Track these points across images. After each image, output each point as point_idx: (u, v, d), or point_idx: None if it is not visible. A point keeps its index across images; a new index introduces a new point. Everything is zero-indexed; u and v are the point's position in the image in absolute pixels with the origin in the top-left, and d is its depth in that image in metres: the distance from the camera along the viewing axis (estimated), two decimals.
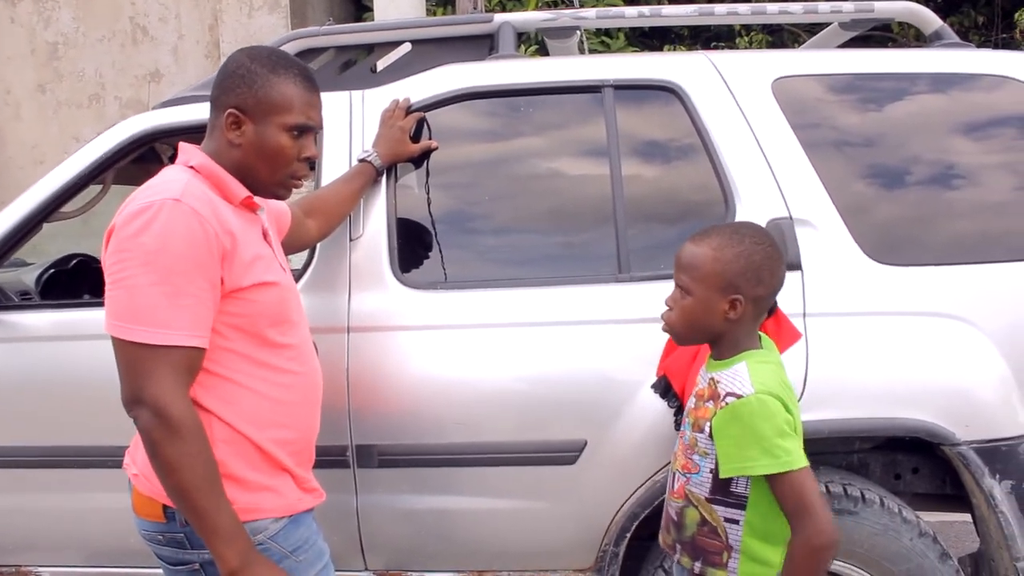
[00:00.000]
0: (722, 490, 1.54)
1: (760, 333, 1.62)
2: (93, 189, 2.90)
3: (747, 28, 6.74)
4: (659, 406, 2.03)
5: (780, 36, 7.02)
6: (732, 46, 6.74)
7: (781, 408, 1.47)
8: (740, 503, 1.53)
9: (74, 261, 3.12)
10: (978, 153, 2.17)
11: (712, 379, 1.57)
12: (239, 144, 1.52)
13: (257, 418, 1.48)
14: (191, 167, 1.51)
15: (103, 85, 6.93)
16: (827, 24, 2.72)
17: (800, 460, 1.45)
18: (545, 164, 2.30)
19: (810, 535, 1.44)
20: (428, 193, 2.26)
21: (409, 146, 2.19)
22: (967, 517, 2.38)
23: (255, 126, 1.52)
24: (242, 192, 1.53)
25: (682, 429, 1.67)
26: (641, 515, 2.08)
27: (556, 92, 2.29)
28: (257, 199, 1.57)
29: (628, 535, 2.10)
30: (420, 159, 2.24)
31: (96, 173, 2.30)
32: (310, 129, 1.56)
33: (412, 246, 2.22)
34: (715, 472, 1.53)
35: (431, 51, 2.55)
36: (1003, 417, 2.03)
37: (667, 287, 2.10)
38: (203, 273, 1.37)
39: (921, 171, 2.16)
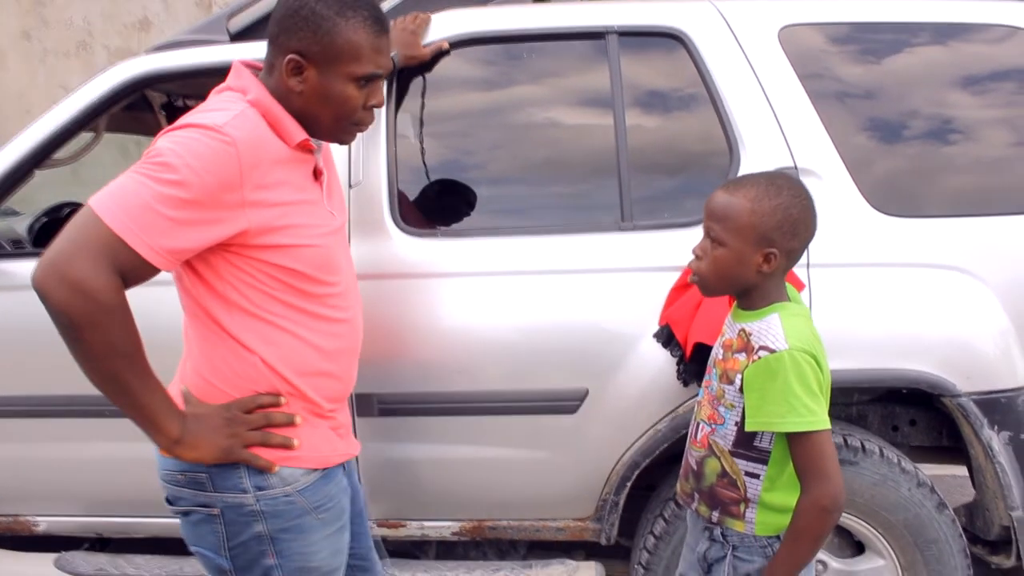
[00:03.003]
0: (745, 443, 1.53)
1: (786, 283, 1.59)
2: (86, 138, 2.85)
3: None
4: (662, 355, 2.03)
5: None
6: None
7: (814, 366, 1.46)
8: (763, 458, 1.52)
9: (67, 210, 3.08)
10: (984, 106, 2.15)
11: (743, 330, 1.54)
12: (300, 91, 1.43)
13: (299, 363, 1.44)
14: (248, 101, 1.41)
15: (91, 33, 6.77)
16: None
17: (823, 422, 1.44)
18: (547, 112, 2.26)
19: (819, 496, 1.44)
20: (429, 140, 2.23)
21: (421, 49, 2.15)
22: (960, 470, 2.40)
23: (318, 74, 1.41)
24: (299, 134, 1.43)
25: (707, 379, 1.65)
26: (642, 464, 2.09)
27: (559, 38, 2.24)
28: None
29: (629, 484, 2.11)
30: (432, 63, 2.19)
31: (89, 119, 2.25)
32: (378, 77, 1.47)
33: (412, 193, 2.19)
34: (740, 425, 1.53)
35: None
36: (1003, 369, 2.03)
37: (670, 236, 2.11)
38: (211, 204, 1.30)
39: (927, 123, 2.14)
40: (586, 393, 2.08)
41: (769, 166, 2.08)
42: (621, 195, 2.13)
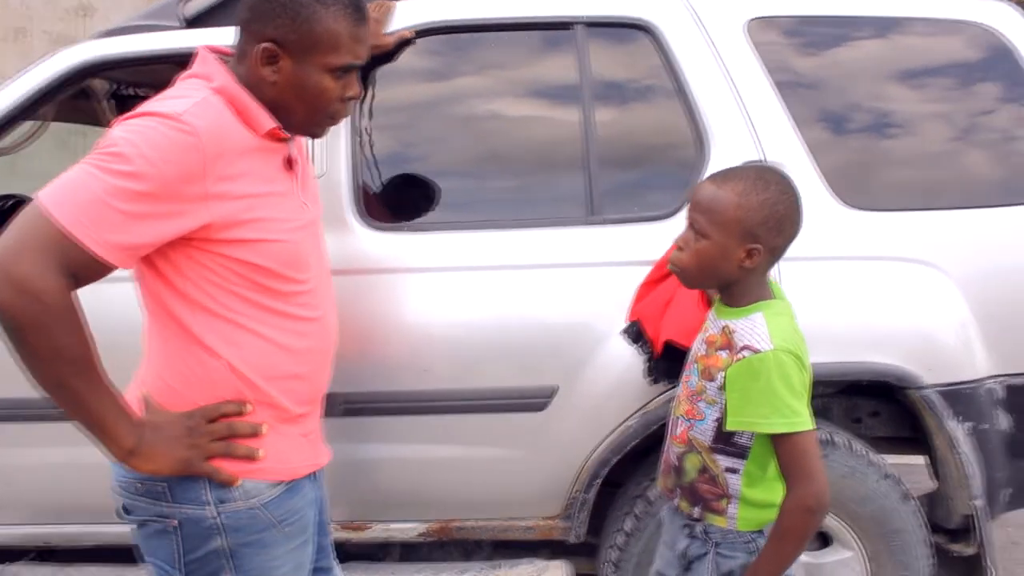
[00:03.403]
0: (725, 439, 1.52)
1: (771, 280, 1.58)
2: (29, 127, 2.72)
3: None
4: (632, 351, 2.00)
5: None
6: None
7: (798, 366, 1.45)
8: (742, 453, 1.51)
9: (10, 202, 2.94)
10: (948, 100, 2.17)
11: (726, 327, 1.52)
12: (273, 81, 1.36)
13: (266, 366, 1.37)
14: (212, 88, 1.33)
15: (30, 18, 6.51)
16: None
17: (807, 423, 1.44)
18: (513, 103, 2.22)
19: (804, 496, 1.43)
20: (392, 132, 2.17)
21: (384, 37, 2.08)
22: (915, 460, 2.43)
23: (294, 64, 1.34)
24: (268, 122, 1.36)
25: (686, 374, 1.63)
26: (612, 461, 2.07)
27: (526, 28, 2.20)
28: None
29: (599, 481, 2.09)
30: (395, 52, 2.13)
31: (32, 107, 2.13)
32: (356, 68, 1.40)
33: (376, 186, 2.13)
34: (720, 421, 1.51)
35: None
36: (965, 361, 2.06)
37: (638, 230, 2.09)
38: (169, 196, 1.22)
39: (891, 117, 2.16)
40: (555, 390, 2.05)
41: (737, 159, 2.07)
42: (589, 188, 2.10)
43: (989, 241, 2.09)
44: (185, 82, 1.38)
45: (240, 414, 1.35)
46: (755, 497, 1.53)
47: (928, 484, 2.26)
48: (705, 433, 1.55)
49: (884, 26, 2.16)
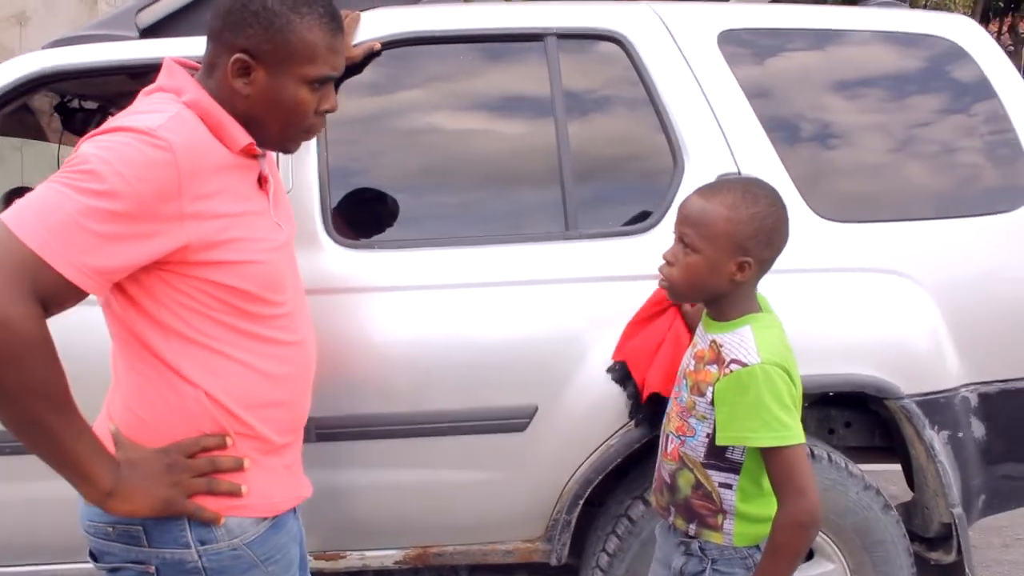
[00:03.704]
0: (717, 455, 1.49)
1: (758, 292, 1.56)
2: None
3: None
4: None
5: None
6: None
7: (786, 380, 1.43)
8: (735, 468, 1.49)
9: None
10: (917, 113, 2.19)
11: (714, 341, 1.50)
12: (247, 94, 1.28)
13: (246, 394, 1.29)
14: (183, 102, 1.26)
15: None
16: None
17: (798, 436, 1.41)
18: (486, 116, 2.18)
19: (796, 511, 1.41)
20: (363, 146, 2.10)
21: (351, 49, 2.01)
22: (881, 468, 2.45)
23: (268, 76, 1.27)
24: (244, 138, 1.29)
25: (676, 390, 1.60)
26: (596, 480, 2.02)
27: (497, 40, 2.16)
28: None
29: (581, 502, 2.04)
30: (362, 64, 2.06)
31: None
32: (332, 79, 1.34)
33: (346, 203, 2.06)
34: (711, 437, 1.48)
35: None
36: (941, 370, 2.07)
37: (615, 244, 2.06)
38: (145, 216, 1.14)
39: (863, 130, 2.17)
40: (535, 409, 2.00)
41: (713, 171, 2.06)
42: (565, 203, 2.07)
43: (959, 251, 2.12)
44: (152, 96, 1.30)
45: (222, 447, 1.26)
46: (751, 512, 1.50)
47: (899, 492, 2.28)
48: (696, 449, 1.52)
49: (857, 40, 2.17)
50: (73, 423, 1.14)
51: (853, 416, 2.38)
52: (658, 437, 1.98)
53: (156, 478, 1.21)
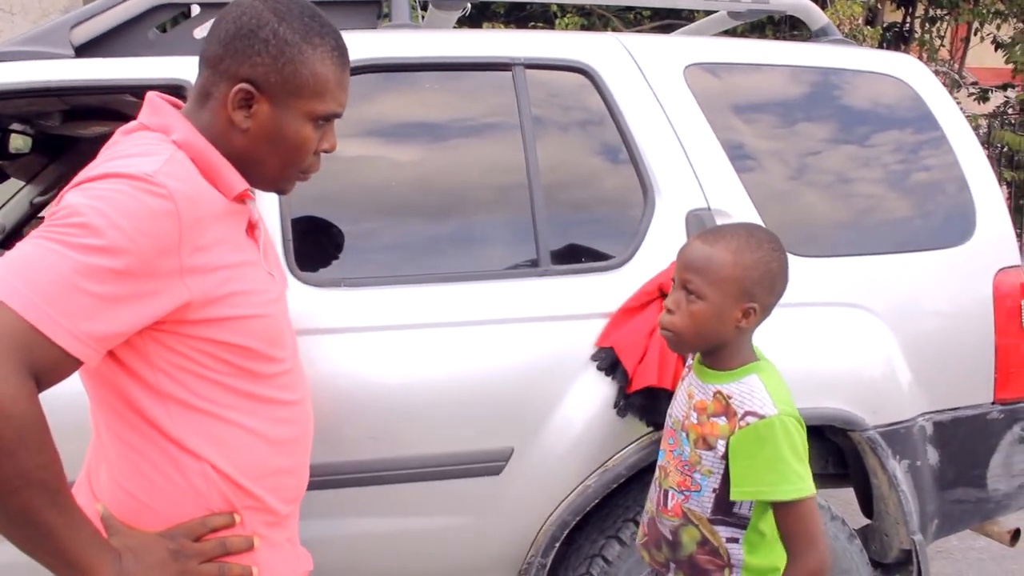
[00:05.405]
0: (725, 510, 1.46)
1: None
2: None
3: (563, 9, 6.78)
4: (590, 404, 1.93)
5: (591, 20, 7.14)
6: (550, 27, 6.75)
7: (800, 431, 1.42)
8: (742, 523, 1.46)
9: None
10: (872, 149, 2.25)
11: (719, 392, 1.47)
12: (246, 129, 1.17)
13: (253, 463, 1.18)
14: (174, 142, 1.14)
15: None
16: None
17: (811, 488, 1.41)
18: (454, 149, 2.10)
19: (810, 562, 1.40)
20: (326, 179, 1.98)
21: None
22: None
23: (272, 109, 1.17)
24: (239, 184, 1.18)
25: (671, 442, 1.56)
26: (572, 523, 1.97)
27: (464, 69, 2.09)
28: None
29: (557, 544, 1.99)
30: None
31: None
32: (338, 117, 1.25)
33: (311, 239, 1.94)
34: (719, 491, 1.45)
35: None
36: (901, 402, 2.13)
37: (588, 281, 2.02)
38: (146, 273, 1.03)
39: (828, 166, 2.21)
40: (511, 452, 1.93)
41: (683, 207, 2.06)
42: (536, 239, 2.01)
43: (913, 285, 2.18)
44: (135, 136, 1.17)
45: (230, 526, 1.15)
46: (758, 564, 1.49)
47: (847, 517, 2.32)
48: (703, 504, 1.49)
49: (820, 76, 2.22)
50: (70, 513, 1.00)
51: (808, 444, 2.42)
52: (638, 474, 1.97)
53: (162, 567, 1.08)
